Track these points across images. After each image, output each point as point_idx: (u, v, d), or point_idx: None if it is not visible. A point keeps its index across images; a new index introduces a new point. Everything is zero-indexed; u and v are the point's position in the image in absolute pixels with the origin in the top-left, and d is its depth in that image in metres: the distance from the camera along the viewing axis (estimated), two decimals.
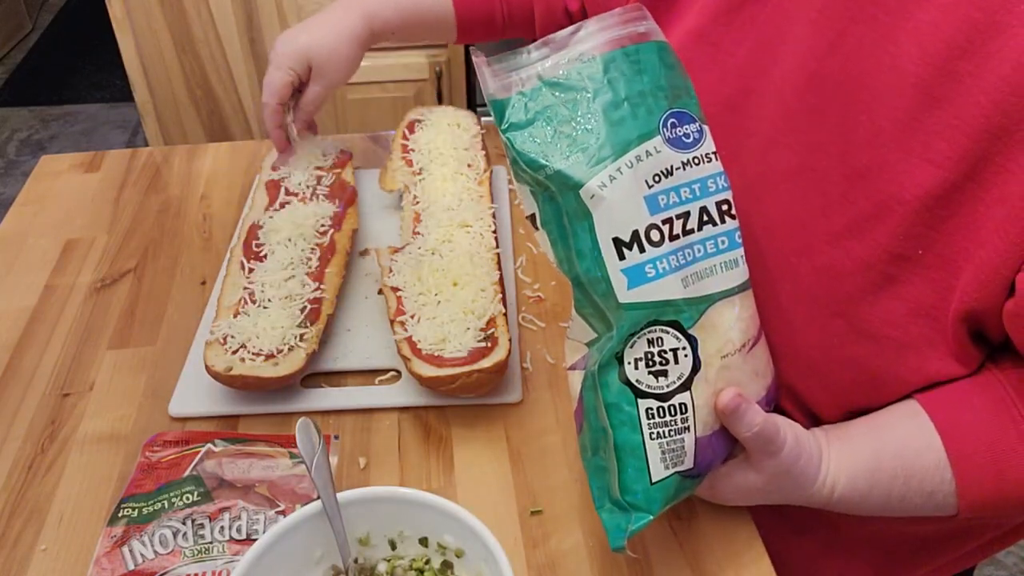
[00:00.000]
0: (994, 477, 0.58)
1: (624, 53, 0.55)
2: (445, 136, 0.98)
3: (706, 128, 0.57)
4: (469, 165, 0.94)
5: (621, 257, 0.53)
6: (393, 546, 0.60)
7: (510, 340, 0.75)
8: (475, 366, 0.72)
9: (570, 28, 0.56)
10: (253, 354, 0.74)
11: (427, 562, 0.59)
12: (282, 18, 1.93)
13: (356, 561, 0.59)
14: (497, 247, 0.84)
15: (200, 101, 2.04)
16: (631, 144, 0.53)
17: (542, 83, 0.54)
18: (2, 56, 3.24)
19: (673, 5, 0.73)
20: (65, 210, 1.01)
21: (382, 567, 0.59)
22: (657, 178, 0.53)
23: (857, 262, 0.59)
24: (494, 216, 0.88)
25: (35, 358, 0.82)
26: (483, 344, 0.74)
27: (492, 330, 0.75)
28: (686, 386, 0.54)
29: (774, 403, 0.62)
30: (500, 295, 0.78)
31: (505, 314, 0.77)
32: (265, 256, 0.83)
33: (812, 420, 0.68)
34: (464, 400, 0.76)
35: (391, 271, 0.82)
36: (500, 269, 0.82)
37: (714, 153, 0.56)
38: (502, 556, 0.53)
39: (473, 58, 0.56)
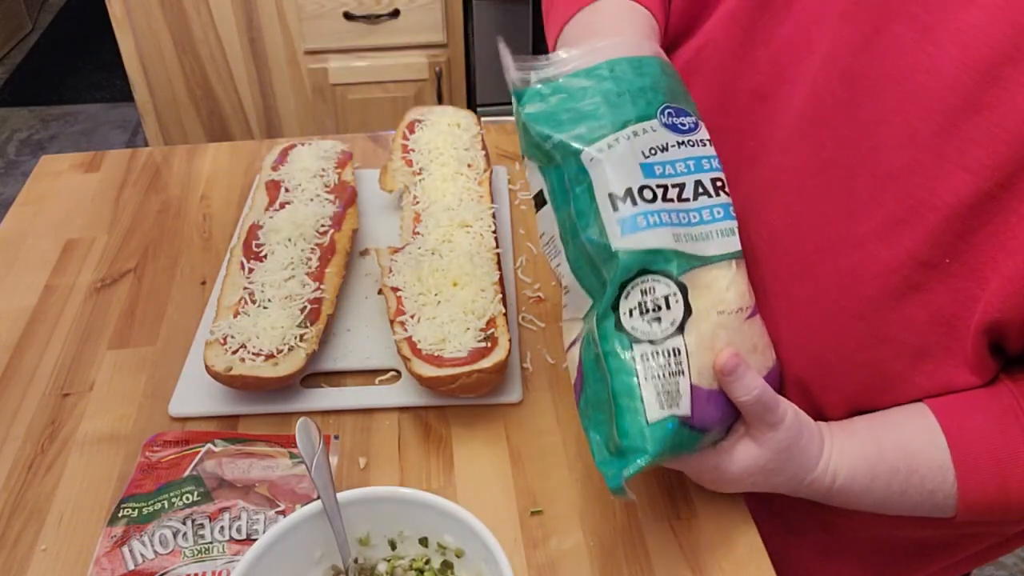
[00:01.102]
0: (996, 483, 0.58)
1: (628, 60, 0.61)
2: (445, 136, 0.98)
3: (702, 123, 0.61)
4: (469, 165, 0.94)
5: (615, 209, 0.57)
6: (393, 546, 0.60)
7: (510, 340, 0.75)
8: (475, 366, 0.72)
9: (586, 45, 0.62)
10: (253, 354, 0.74)
11: (427, 562, 0.59)
12: (282, 18, 1.93)
13: (356, 561, 0.59)
14: (497, 247, 0.84)
15: (200, 101, 2.04)
16: (629, 122, 0.58)
17: (559, 79, 0.60)
18: (2, 56, 3.25)
19: None
20: (65, 210, 1.00)
21: (382, 567, 0.59)
22: (653, 151, 0.58)
23: (881, 266, 0.58)
24: (494, 216, 0.88)
25: (35, 358, 0.82)
26: (483, 344, 0.74)
27: (492, 330, 0.75)
28: (679, 330, 0.56)
29: (775, 389, 0.62)
30: (500, 295, 0.78)
31: (505, 314, 0.77)
32: (265, 256, 0.83)
33: (818, 419, 0.67)
34: (464, 400, 0.76)
35: (391, 271, 0.82)
36: (500, 269, 0.82)
37: (708, 140, 0.60)
38: (502, 556, 0.53)
39: (500, 47, 0.61)
